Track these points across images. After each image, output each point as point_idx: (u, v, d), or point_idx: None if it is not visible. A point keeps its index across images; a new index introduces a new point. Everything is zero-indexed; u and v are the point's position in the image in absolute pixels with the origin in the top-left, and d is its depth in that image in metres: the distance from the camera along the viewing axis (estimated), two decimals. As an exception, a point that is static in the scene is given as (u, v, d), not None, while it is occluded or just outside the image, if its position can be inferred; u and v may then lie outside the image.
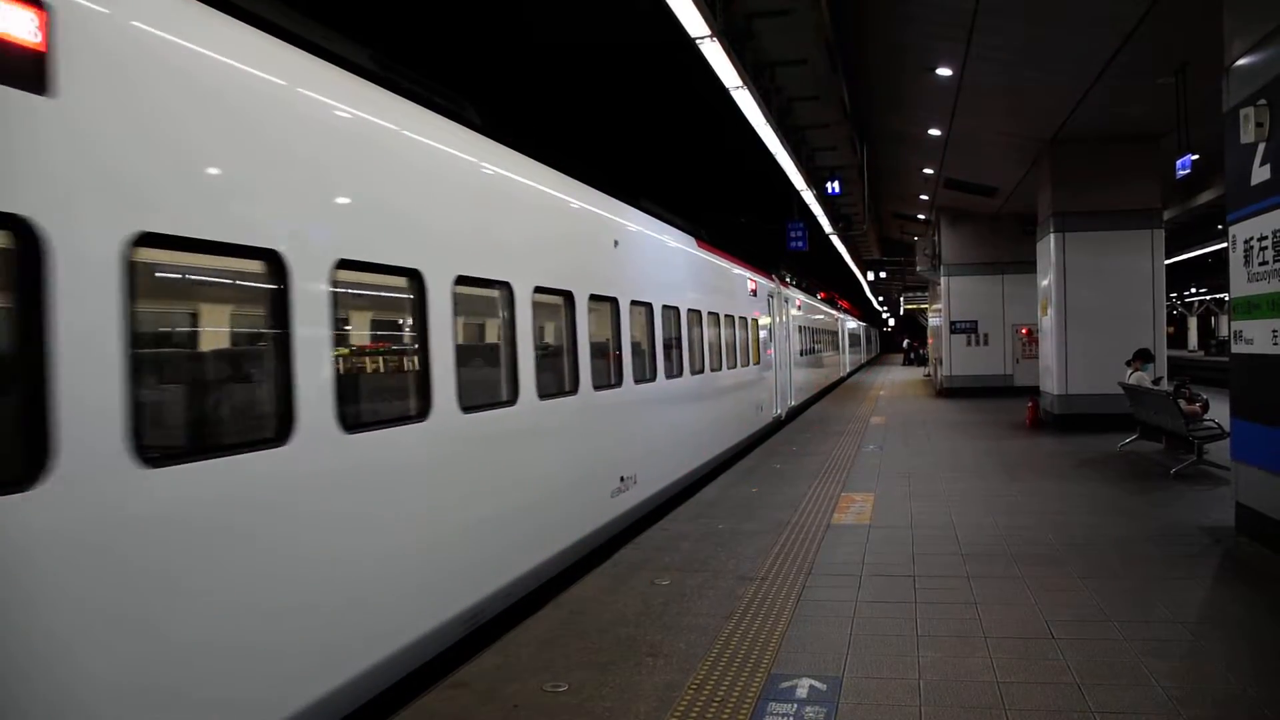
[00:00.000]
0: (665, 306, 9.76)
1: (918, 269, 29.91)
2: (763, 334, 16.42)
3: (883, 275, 49.67)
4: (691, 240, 11.67)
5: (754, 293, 15.70)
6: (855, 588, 6.01)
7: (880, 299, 72.49)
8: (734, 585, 6.11)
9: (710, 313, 12.03)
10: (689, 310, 10.83)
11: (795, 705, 4.15)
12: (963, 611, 5.45)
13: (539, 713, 4.16)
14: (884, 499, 9.17)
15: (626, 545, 7.41)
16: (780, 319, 18.52)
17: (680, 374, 10.26)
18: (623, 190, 9.12)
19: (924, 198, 23.69)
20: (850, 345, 43.87)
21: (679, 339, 10.35)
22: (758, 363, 15.61)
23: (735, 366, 13.60)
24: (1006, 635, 4.99)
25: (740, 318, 14.25)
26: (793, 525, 7.97)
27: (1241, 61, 7.00)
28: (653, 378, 9.18)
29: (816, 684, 4.37)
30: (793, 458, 12.58)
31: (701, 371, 11.41)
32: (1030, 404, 16.50)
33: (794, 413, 19.77)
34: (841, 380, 35.28)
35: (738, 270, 14.63)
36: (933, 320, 31.87)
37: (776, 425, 17.23)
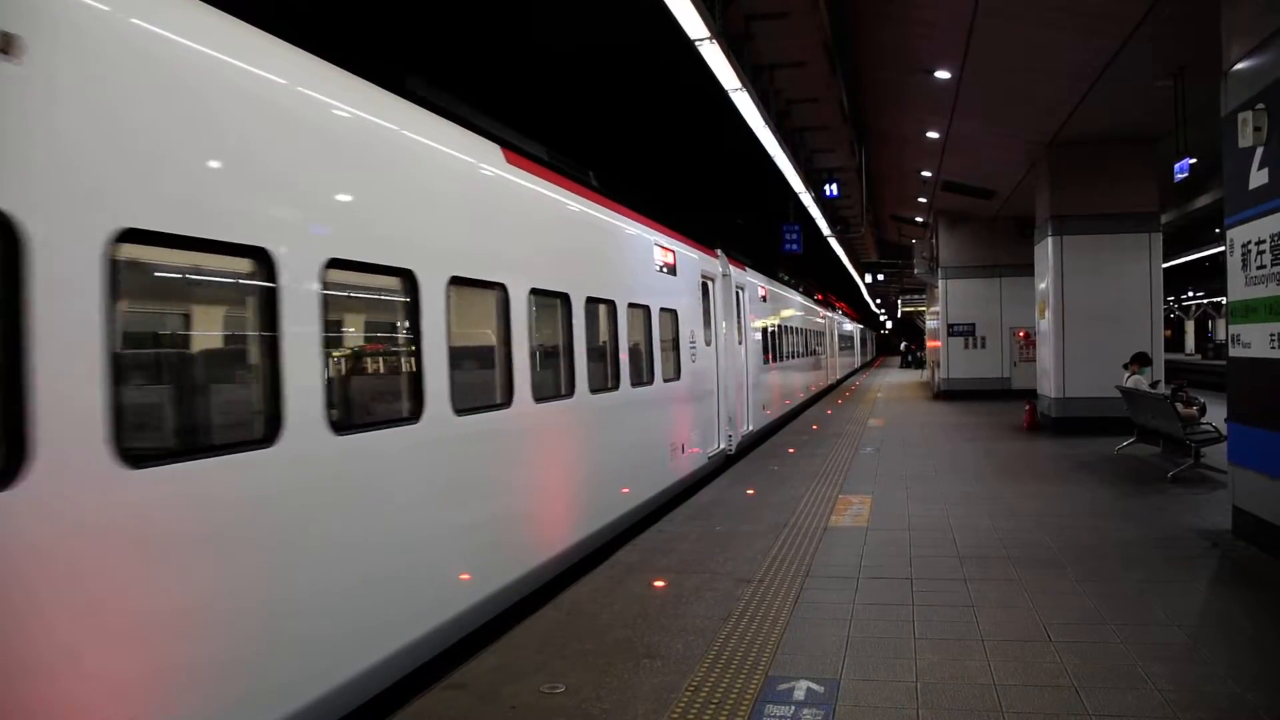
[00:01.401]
0: (388, 270, 4.83)
1: (915, 271, 30.01)
2: (692, 333, 10.88)
3: (880, 278, 49.75)
4: (494, 152, 6.17)
5: (670, 269, 10.18)
6: (853, 590, 6.01)
7: (878, 301, 72.60)
8: (731, 587, 6.11)
9: (548, 293, 6.75)
10: (475, 283, 5.67)
11: (793, 707, 4.14)
12: (960, 614, 5.45)
13: (537, 714, 4.16)
14: (881, 501, 9.17)
15: (624, 546, 7.40)
16: (732, 313, 13.28)
17: (435, 413, 5.03)
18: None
19: (922, 200, 23.71)
20: (842, 348, 39.80)
21: (440, 345, 5.13)
22: (676, 378, 10.18)
23: (619, 386, 8.13)
24: (1004, 638, 4.99)
25: (637, 306, 8.82)
26: (790, 527, 7.97)
27: (1240, 65, 7.01)
28: (347, 423, 4.48)
29: (814, 686, 4.37)
30: (790, 460, 12.58)
31: (503, 404, 5.92)
32: (1028, 407, 16.52)
33: (756, 439, 14.79)
34: (830, 388, 31.29)
35: (630, 230, 9.10)
36: (930, 323, 31.91)
37: (723, 463, 12.32)
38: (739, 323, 13.95)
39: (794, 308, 21.87)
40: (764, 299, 16.79)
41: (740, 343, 13.99)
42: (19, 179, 2.81)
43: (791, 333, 20.99)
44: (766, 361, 16.73)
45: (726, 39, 9.99)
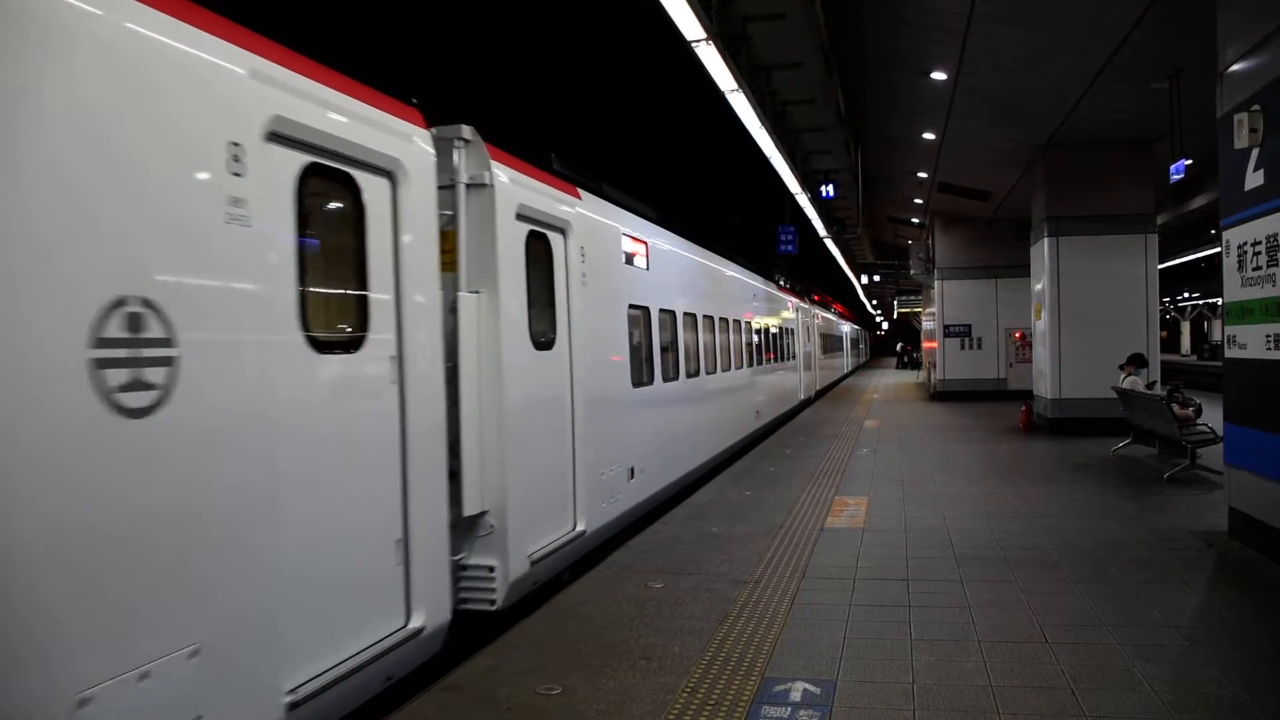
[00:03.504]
0: None
1: (911, 272, 30.02)
2: (138, 321, 3.01)
3: (876, 279, 49.82)
4: None
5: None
6: (849, 591, 6.01)
7: (874, 302, 72.74)
8: (728, 588, 6.10)
9: None
10: None
11: (789, 709, 4.14)
12: (956, 615, 5.45)
13: (532, 715, 4.15)
14: (878, 502, 9.16)
15: (620, 548, 7.40)
16: (514, 278, 6.10)
17: None
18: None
19: (918, 201, 23.74)
20: (827, 350, 33.35)
21: None
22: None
23: None
24: (1000, 639, 4.99)
25: None
26: (786, 528, 7.96)
27: (1235, 67, 7.02)
28: None
29: (810, 687, 4.36)
30: (786, 461, 12.57)
31: None
32: (1024, 408, 16.54)
33: (609, 539, 7.88)
34: (807, 404, 23.82)
35: None
36: (926, 324, 31.93)
37: (440, 652, 4.99)
38: (562, 304, 6.91)
39: (726, 287, 14.07)
40: (637, 262, 9.01)
41: (555, 342, 6.78)
42: None
43: (722, 327, 13.27)
44: (650, 379, 9.35)
45: (723, 40, 9.99)
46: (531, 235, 6.41)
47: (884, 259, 42.44)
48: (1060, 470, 11.30)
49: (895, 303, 62.24)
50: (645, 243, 9.39)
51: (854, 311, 67.45)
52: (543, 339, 6.59)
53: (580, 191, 7.64)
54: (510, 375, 5.85)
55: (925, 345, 33.02)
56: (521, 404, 6.03)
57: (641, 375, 9.10)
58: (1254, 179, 6.72)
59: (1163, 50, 10.22)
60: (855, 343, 58.20)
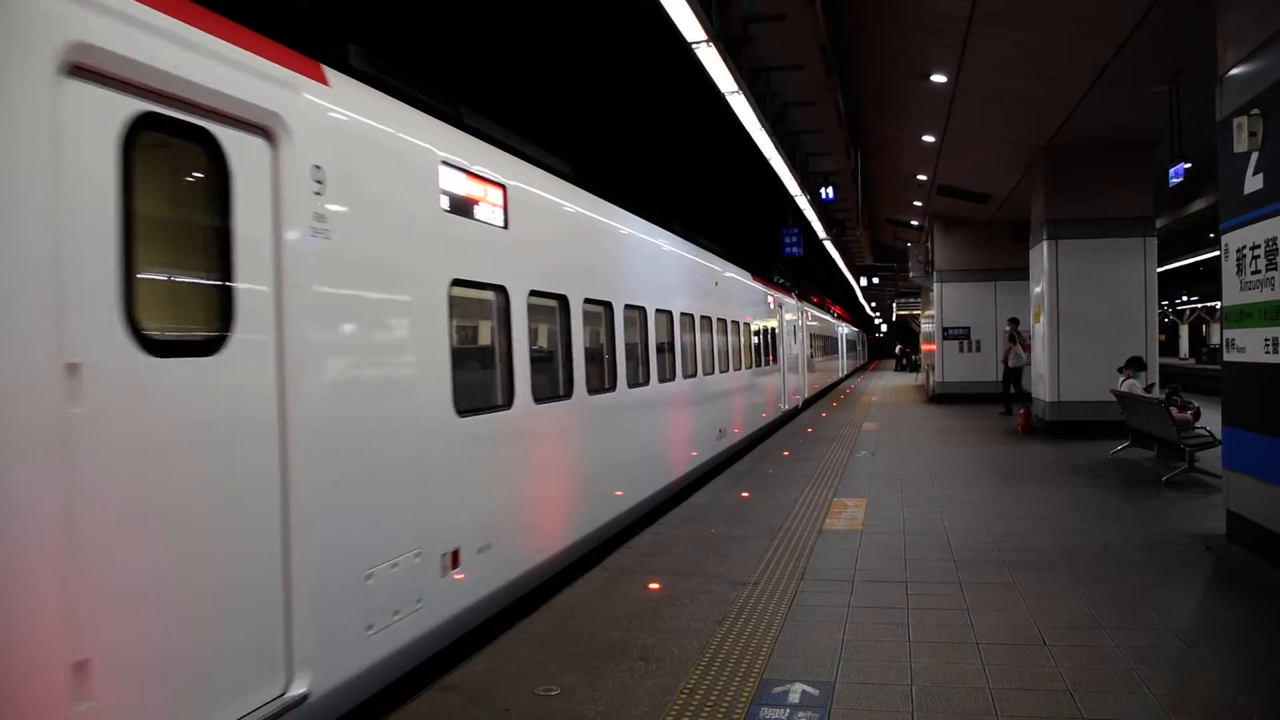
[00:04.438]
0: None
1: (910, 275, 30.07)
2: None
3: (875, 281, 49.85)
4: None
5: None
6: (848, 593, 6.01)
7: (873, 304, 72.80)
8: (726, 590, 6.10)
9: None
10: None
11: (788, 710, 4.13)
12: (955, 617, 5.45)
13: (530, 716, 4.15)
14: (876, 504, 9.16)
15: (619, 549, 7.40)
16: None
17: None
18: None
19: (918, 204, 23.77)
20: (820, 352, 31.52)
21: None
22: None
23: None
24: (998, 641, 4.99)
25: None
26: (785, 530, 7.96)
27: (1234, 71, 7.03)
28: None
29: (809, 689, 4.36)
30: (785, 463, 12.57)
31: None
32: (1023, 410, 16.55)
33: None
34: (792, 414, 20.91)
35: None
36: (925, 326, 31.92)
37: None
38: (258, 269, 3.71)
39: (663, 270, 10.61)
40: (482, 214, 5.69)
41: (228, 339, 3.54)
42: None
43: (661, 323, 10.07)
44: (505, 401, 6.03)
45: (724, 41, 10.01)
46: (149, 123, 3.24)
47: (883, 261, 42.46)
48: (1059, 473, 11.30)
49: (894, 305, 62.27)
50: (503, 187, 5.95)
51: (853, 313, 67.48)
52: (185, 332, 3.57)
53: (328, 72, 4.35)
54: (32, 413, 2.74)
55: (924, 348, 33.01)
56: (74, 466, 2.85)
57: (482, 395, 5.91)
58: (1253, 183, 6.72)
59: (1162, 53, 10.23)
60: (853, 344, 57.18)
